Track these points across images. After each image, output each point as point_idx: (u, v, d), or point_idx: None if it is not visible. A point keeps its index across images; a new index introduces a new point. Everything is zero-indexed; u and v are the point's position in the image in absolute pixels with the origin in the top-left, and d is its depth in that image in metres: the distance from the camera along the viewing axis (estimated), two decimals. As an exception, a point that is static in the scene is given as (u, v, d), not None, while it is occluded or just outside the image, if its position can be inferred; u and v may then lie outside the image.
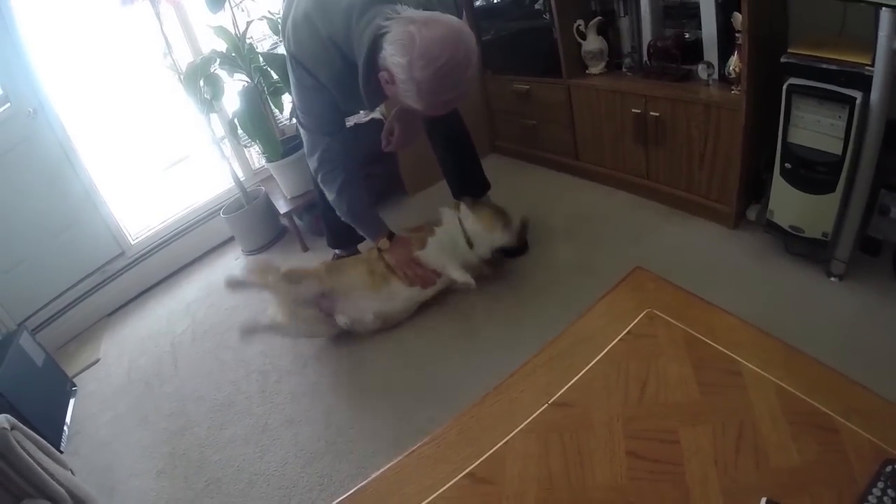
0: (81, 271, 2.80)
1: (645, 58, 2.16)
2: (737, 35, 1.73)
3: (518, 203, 2.39)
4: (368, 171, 2.10)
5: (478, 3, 2.71)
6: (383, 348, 1.97)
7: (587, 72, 2.36)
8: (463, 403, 0.99)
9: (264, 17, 2.60)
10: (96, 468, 1.89)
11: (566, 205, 2.46)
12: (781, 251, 1.83)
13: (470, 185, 2.27)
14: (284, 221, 2.92)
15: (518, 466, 0.85)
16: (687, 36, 2.03)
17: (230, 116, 2.76)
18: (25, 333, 2.21)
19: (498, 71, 2.80)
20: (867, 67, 1.40)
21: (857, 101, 1.42)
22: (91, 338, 2.71)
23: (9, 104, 2.47)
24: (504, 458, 0.86)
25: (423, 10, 1.49)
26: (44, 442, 1.56)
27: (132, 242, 2.97)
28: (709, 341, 0.96)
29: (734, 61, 1.79)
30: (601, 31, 2.26)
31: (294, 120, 1.84)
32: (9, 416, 1.45)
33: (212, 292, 2.72)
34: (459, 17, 1.74)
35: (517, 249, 2.19)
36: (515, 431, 0.90)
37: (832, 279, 1.69)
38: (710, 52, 1.92)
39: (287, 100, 2.73)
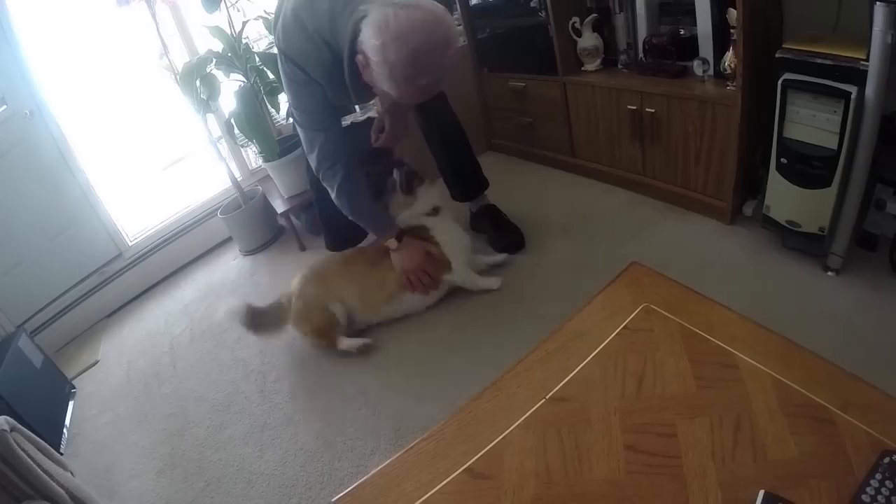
0: (79, 273, 2.80)
1: (640, 54, 2.16)
2: (732, 31, 1.73)
3: (515, 200, 2.39)
4: (366, 170, 2.09)
5: (473, 1, 2.71)
6: (380, 346, 1.97)
7: (583, 69, 2.36)
8: (461, 399, 1.00)
9: (260, 17, 2.61)
10: (96, 469, 1.89)
11: (563, 202, 2.46)
12: (778, 246, 1.83)
13: (468, 184, 2.28)
14: (282, 221, 2.92)
15: (516, 461, 0.85)
16: (682, 32, 2.04)
17: (227, 116, 2.76)
18: (24, 335, 2.21)
19: (494, 69, 2.80)
20: (862, 62, 1.41)
21: (853, 96, 1.42)
22: (90, 339, 2.71)
23: (5, 106, 2.47)
24: (502, 453, 0.87)
25: None
26: (44, 443, 1.56)
27: (130, 244, 2.96)
28: (706, 335, 0.96)
29: (729, 57, 1.79)
30: (597, 28, 2.26)
31: (290, 119, 1.85)
32: (8, 417, 1.45)
33: (210, 293, 2.72)
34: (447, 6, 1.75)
35: (514, 245, 2.19)
36: (513, 427, 0.90)
37: (829, 274, 1.70)
38: (706, 48, 1.92)
39: (283, 99, 2.73)
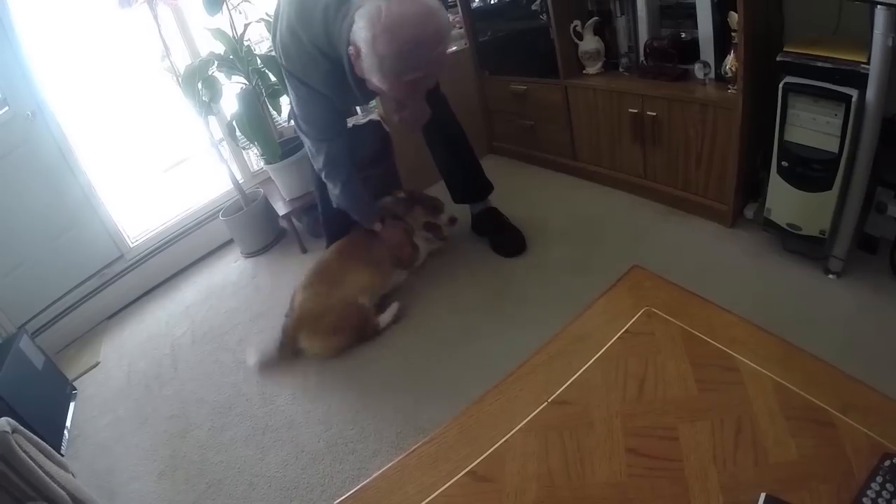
0: (80, 274, 2.80)
1: (642, 57, 2.17)
2: (733, 34, 1.74)
3: (516, 203, 2.40)
4: (367, 172, 2.11)
5: (475, 4, 2.71)
6: (383, 349, 1.98)
7: (584, 72, 2.36)
8: (462, 403, 0.99)
9: (262, 19, 2.61)
10: (97, 471, 1.89)
11: (564, 205, 2.46)
12: (779, 249, 1.84)
13: (472, 188, 2.28)
14: (283, 223, 2.92)
15: (518, 464, 0.85)
16: (683, 35, 2.04)
17: (228, 119, 2.76)
18: (25, 337, 2.21)
19: (495, 72, 2.80)
20: (863, 65, 1.41)
21: (853, 99, 1.43)
22: (91, 341, 2.71)
23: (7, 107, 2.47)
24: (504, 457, 0.87)
25: None
26: (45, 445, 1.57)
27: (131, 245, 2.96)
28: (707, 338, 0.96)
29: (730, 60, 1.79)
30: (598, 31, 2.27)
31: (292, 123, 1.88)
32: (10, 419, 1.46)
33: (211, 295, 2.73)
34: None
35: (515, 248, 2.20)
36: (515, 430, 0.90)
37: (830, 276, 1.70)
38: (707, 51, 1.92)
39: (285, 101, 2.73)
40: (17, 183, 2.52)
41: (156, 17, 2.42)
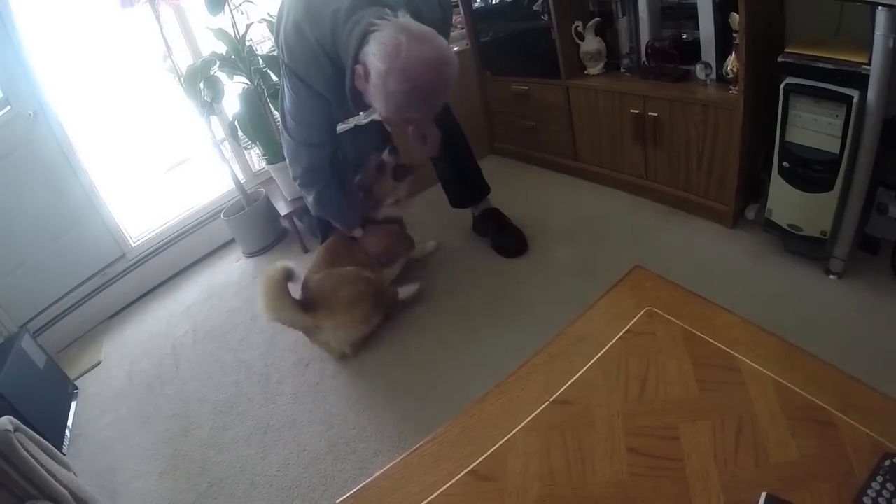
0: (82, 274, 2.81)
1: (643, 58, 2.17)
2: (734, 35, 1.74)
3: (517, 204, 2.40)
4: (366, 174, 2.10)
5: (476, 5, 2.72)
6: (384, 349, 1.98)
7: (585, 72, 2.36)
8: (464, 402, 1.00)
9: (264, 19, 2.61)
10: (99, 470, 1.90)
11: (565, 205, 2.47)
12: (780, 250, 1.84)
13: (469, 190, 2.28)
14: (285, 223, 2.93)
15: (520, 463, 0.85)
16: (685, 36, 2.04)
17: (230, 119, 2.77)
18: (27, 336, 2.22)
19: (496, 72, 2.80)
20: (864, 66, 1.41)
21: (854, 100, 1.43)
22: (92, 340, 2.72)
23: (9, 107, 2.48)
24: (506, 456, 0.87)
25: (410, 14, 1.50)
26: (46, 444, 1.57)
27: (133, 245, 2.97)
28: (708, 338, 0.97)
29: (732, 61, 1.80)
30: (599, 32, 2.27)
31: (280, 124, 1.85)
32: (12, 418, 1.46)
33: (212, 294, 2.73)
34: (444, 14, 1.76)
35: (517, 249, 2.20)
36: (517, 429, 0.91)
37: (831, 277, 1.70)
38: (708, 52, 1.93)
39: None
40: (19, 183, 2.53)
41: (158, 17, 2.42)
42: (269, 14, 2.62)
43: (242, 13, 2.57)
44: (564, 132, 2.56)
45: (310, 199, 1.94)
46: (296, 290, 1.95)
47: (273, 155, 2.68)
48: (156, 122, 3.44)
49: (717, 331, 0.98)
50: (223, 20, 2.49)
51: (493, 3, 2.64)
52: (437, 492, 0.85)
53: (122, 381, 2.33)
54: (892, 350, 1.40)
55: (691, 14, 1.95)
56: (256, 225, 2.95)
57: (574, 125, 2.49)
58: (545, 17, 2.33)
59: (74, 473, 1.64)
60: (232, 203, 3.00)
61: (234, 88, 2.66)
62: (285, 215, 2.76)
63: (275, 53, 2.72)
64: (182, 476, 1.76)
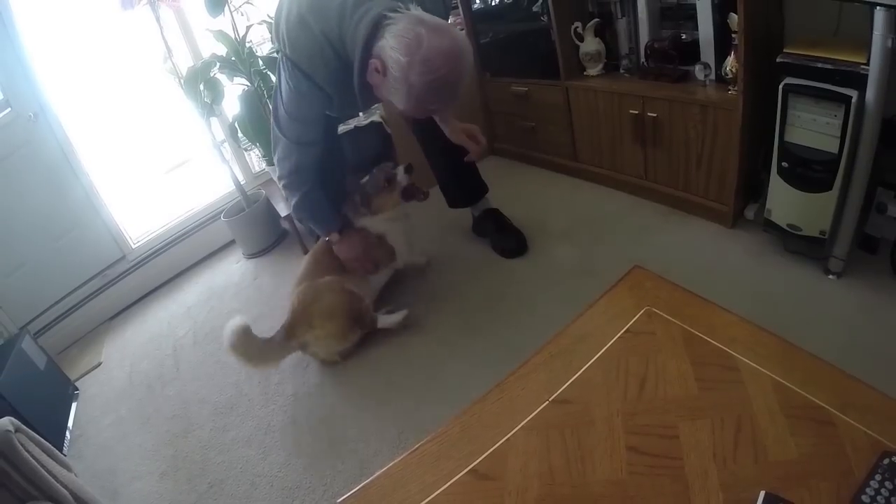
0: (83, 275, 2.81)
1: (642, 59, 2.17)
2: (733, 36, 1.74)
3: (517, 204, 2.40)
4: (368, 173, 2.10)
5: (476, 6, 2.72)
6: (384, 349, 1.98)
7: (585, 73, 2.37)
8: (464, 402, 1.00)
9: (263, 21, 2.62)
10: (99, 471, 1.90)
11: (565, 206, 2.47)
12: (779, 249, 1.84)
13: (466, 191, 2.28)
14: (285, 224, 2.93)
15: (520, 462, 0.86)
16: (684, 37, 2.05)
17: (230, 120, 2.78)
18: (27, 337, 2.22)
19: (496, 73, 2.81)
20: (862, 66, 1.42)
21: (853, 100, 1.43)
22: (93, 342, 2.72)
23: (9, 108, 2.48)
24: (506, 455, 0.87)
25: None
26: (47, 444, 1.57)
27: (133, 246, 2.97)
28: (707, 338, 0.97)
29: (731, 62, 1.80)
30: (599, 32, 2.27)
31: (272, 122, 1.81)
32: (12, 418, 1.46)
33: (213, 296, 2.73)
34: (446, 9, 1.76)
35: (516, 249, 2.20)
36: (517, 428, 0.91)
37: (830, 277, 1.70)
38: (707, 52, 1.93)
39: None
40: (20, 184, 2.54)
41: (158, 19, 2.43)
42: (268, 16, 2.63)
43: (242, 15, 2.58)
44: (564, 133, 2.56)
45: (293, 201, 1.91)
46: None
47: (273, 156, 2.68)
48: (156, 124, 3.44)
49: (717, 330, 0.98)
50: (223, 22, 2.50)
51: (493, 4, 2.65)
52: (438, 491, 0.85)
53: (122, 382, 2.33)
54: (891, 350, 1.41)
55: (690, 15, 1.95)
56: (256, 226, 2.95)
57: (573, 126, 2.50)
58: (544, 18, 2.34)
59: (75, 474, 1.64)
60: (232, 204, 3.00)
61: (234, 90, 2.67)
62: (285, 216, 2.76)
63: (276, 55, 2.73)
64: (182, 477, 1.76)
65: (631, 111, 2.14)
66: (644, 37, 2.14)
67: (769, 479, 0.74)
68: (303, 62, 1.61)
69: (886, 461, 0.72)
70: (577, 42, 2.31)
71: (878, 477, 0.71)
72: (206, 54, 2.69)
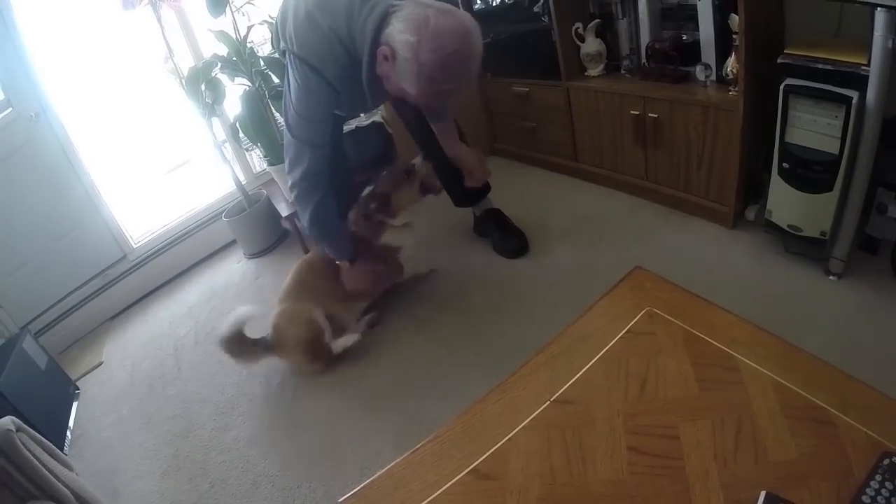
0: (84, 275, 2.81)
1: (643, 60, 2.18)
2: (734, 36, 1.75)
3: (518, 205, 2.40)
4: (370, 174, 2.10)
5: (477, 6, 2.72)
6: (385, 349, 1.98)
7: (586, 74, 2.37)
8: (466, 402, 1.00)
9: (265, 21, 2.62)
10: (100, 471, 1.90)
11: (566, 206, 2.47)
12: (780, 250, 1.84)
13: (468, 189, 2.28)
14: (286, 224, 2.92)
15: (521, 462, 0.86)
16: (685, 38, 2.05)
17: (231, 120, 2.77)
18: (28, 337, 2.22)
19: (497, 73, 2.80)
20: (863, 67, 1.42)
21: (854, 101, 1.43)
22: (94, 341, 2.72)
23: (10, 108, 2.48)
24: (507, 455, 0.88)
25: None
26: (48, 444, 1.57)
27: (134, 246, 2.97)
28: (707, 338, 0.97)
29: (731, 62, 1.80)
30: (599, 33, 2.27)
31: (283, 125, 1.79)
32: (14, 418, 1.46)
33: (214, 295, 2.74)
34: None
35: (518, 249, 2.20)
36: (518, 428, 0.91)
37: (831, 277, 1.70)
38: (708, 53, 1.93)
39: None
40: (21, 184, 2.54)
41: (159, 19, 2.43)
42: (269, 16, 2.63)
43: (244, 15, 2.58)
44: (565, 133, 2.56)
45: (306, 213, 1.84)
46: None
47: (274, 156, 2.68)
48: (157, 124, 3.44)
49: (717, 331, 0.98)
50: (224, 22, 2.49)
51: (494, 4, 2.65)
52: (439, 490, 0.85)
53: (123, 382, 2.34)
54: (891, 350, 1.41)
55: (691, 15, 1.95)
56: (257, 226, 2.95)
57: (574, 126, 2.50)
58: (545, 19, 2.34)
59: (76, 473, 1.64)
60: (233, 204, 3.00)
61: (235, 90, 2.66)
62: (286, 217, 2.75)
63: (276, 56, 2.73)
64: (183, 476, 1.76)
65: (632, 112, 2.14)
66: (645, 37, 2.14)
67: (770, 480, 0.75)
68: (312, 57, 1.61)
69: (886, 461, 0.72)
70: (578, 43, 2.32)
71: (878, 477, 0.71)
72: (207, 54, 2.69)
